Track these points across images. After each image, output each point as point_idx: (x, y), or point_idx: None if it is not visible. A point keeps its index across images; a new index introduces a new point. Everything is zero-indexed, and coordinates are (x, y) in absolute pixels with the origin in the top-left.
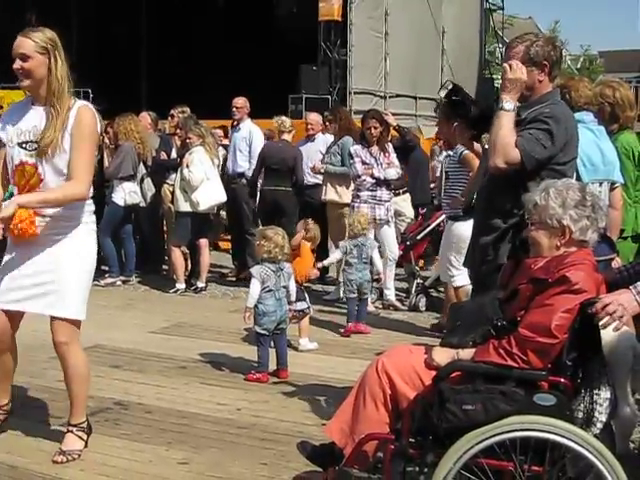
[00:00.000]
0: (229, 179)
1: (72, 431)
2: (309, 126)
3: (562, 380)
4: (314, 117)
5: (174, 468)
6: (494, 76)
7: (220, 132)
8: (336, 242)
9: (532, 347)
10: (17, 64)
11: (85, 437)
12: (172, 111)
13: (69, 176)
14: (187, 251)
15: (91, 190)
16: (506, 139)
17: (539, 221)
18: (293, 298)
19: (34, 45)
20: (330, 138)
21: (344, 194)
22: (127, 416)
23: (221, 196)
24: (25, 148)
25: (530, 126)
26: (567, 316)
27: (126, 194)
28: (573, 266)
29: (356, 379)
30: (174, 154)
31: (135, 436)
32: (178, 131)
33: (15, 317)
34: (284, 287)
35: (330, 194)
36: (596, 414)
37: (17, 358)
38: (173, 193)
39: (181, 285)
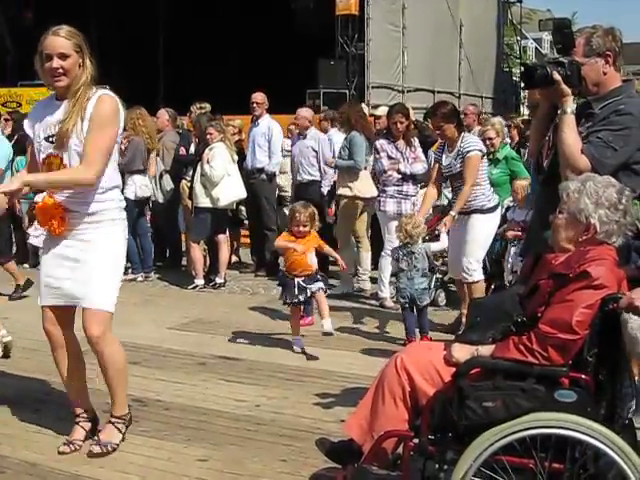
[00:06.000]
0: (247, 175)
1: (113, 423)
2: (296, 122)
3: (583, 376)
4: (302, 112)
5: (193, 465)
6: (512, 70)
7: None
8: (342, 237)
9: (553, 343)
10: (57, 63)
11: (124, 430)
12: (192, 107)
13: (81, 161)
14: (206, 247)
15: (119, 181)
16: (570, 148)
17: (567, 211)
18: None
19: (70, 44)
20: (319, 134)
21: (355, 188)
22: (146, 413)
23: (241, 192)
24: (50, 141)
25: (601, 127)
26: (588, 312)
27: (137, 187)
28: (594, 261)
29: (375, 375)
30: (192, 150)
31: (154, 433)
32: (192, 128)
33: (65, 313)
34: None
35: (341, 188)
36: (618, 410)
37: (82, 357)
38: (191, 189)
39: (200, 281)
